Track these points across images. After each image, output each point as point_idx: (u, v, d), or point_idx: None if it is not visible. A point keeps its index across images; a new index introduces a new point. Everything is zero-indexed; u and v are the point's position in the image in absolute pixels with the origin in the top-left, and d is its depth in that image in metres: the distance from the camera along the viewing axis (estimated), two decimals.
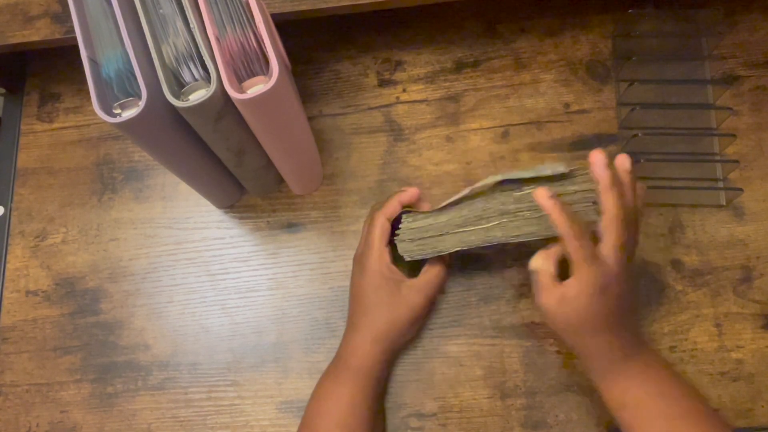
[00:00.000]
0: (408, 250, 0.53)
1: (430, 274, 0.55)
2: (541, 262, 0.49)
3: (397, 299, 0.53)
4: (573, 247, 0.46)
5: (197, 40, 0.45)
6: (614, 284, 0.46)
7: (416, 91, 0.67)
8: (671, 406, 0.46)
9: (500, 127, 0.65)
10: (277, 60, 0.44)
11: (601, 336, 0.48)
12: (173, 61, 0.45)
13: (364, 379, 0.52)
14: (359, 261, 0.55)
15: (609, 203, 0.47)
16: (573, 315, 0.47)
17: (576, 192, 0.51)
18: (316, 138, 0.64)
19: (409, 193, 0.55)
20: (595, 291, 0.46)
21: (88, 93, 0.44)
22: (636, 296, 0.57)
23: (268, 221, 0.64)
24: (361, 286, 0.54)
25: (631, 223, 0.48)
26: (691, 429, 0.45)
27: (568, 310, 0.47)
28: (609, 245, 0.46)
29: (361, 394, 0.52)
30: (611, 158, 0.49)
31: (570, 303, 0.47)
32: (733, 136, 0.60)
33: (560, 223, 0.46)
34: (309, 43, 0.69)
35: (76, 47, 0.45)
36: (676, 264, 0.59)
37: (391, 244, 0.54)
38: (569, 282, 0.47)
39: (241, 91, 0.45)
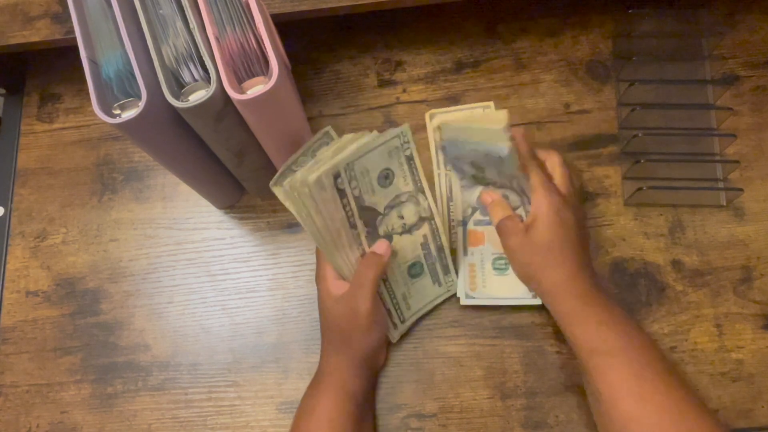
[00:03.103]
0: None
1: (356, 274, 0.53)
2: (502, 211, 0.54)
3: (341, 309, 0.53)
4: (535, 173, 0.52)
5: (197, 41, 0.45)
6: (567, 209, 0.52)
7: (416, 92, 0.67)
8: (641, 354, 0.48)
9: None
10: (277, 60, 0.44)
11: (566, 267, 0.51)
12: (173, 62, 0.45)
13: (339, 393, 0.52)
14: (318, 286, 0.56)
15: (550, 152, 0.55)
16: (539, 241, 0.51)
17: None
18: None
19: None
20: (553, 213, 0.51)
21: (88, 93, 0.44)
22: (588, 238, 0.57)
23: (268, 222, 0.64)
24: (320, 310, 0.56)
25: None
26: (660, 375, 0.47)
27: (535, 237, 0.51)
28: (558, 178, 0.54)
29: (339, 409, 0.51)
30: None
31: (535, 229, 0.51)
32: (734, 136, 0.60)
33: (525, 151, 0.52)
34: (309, 43, 0.69)
35: (76, 48, 0.45)
36: (677, 264, 0.59)
37: None
38: (531, 213, 0.52)
39: (241, 91, 0.45)
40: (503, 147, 0.50)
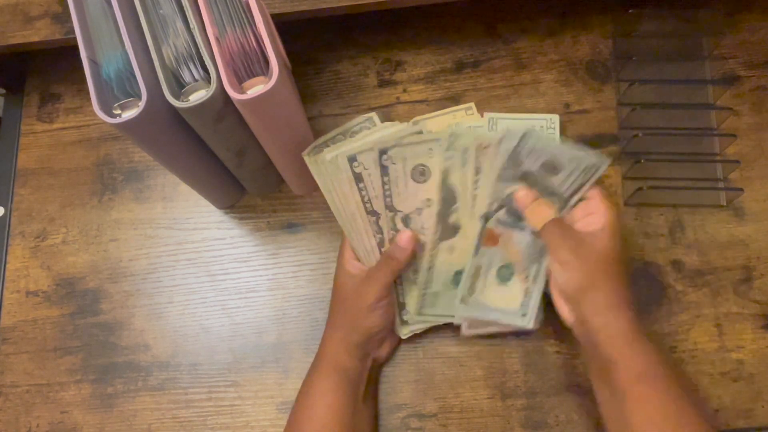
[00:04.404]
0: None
1: (379, 260, 0.53)
2: (549, 211, 0.52)
3: (350, 286, 0.54)
4: (598, 189, 0.52)
5: (197, 41, 0.45)
6: (619, 227, 0.51)
7: (416, 92, 0.66)
8: (678, 384, 0.46)
9: None
10: (277, 60, 0.44)
11: (624, 279, 0.50)
12: (173, 62, 0.45)
13: (332, 370, 0.53)
14: (337, 260, 0.57)
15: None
16: (603, 249, 0.49)
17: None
18: (316, 138, 0.64)
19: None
20: (617, 223, 0.50)
21: (88, 93, 0.44)
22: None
23: (268, 221, 0.64)
24: (334, 283, 0.57)
25: None
26: (694, 410, 0.46)
27: (598, 244, 0.49)
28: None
29: (332, 386, 0.52)
30: None
31: (599, 237, 0.50)
32: (734, 136, 0.60)
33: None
34: (309, 43, 0.69)
35: (76, 48, 0.45)
36: (677, 264, 0.59)
37: None
38: (591, 221, 0.51)
39: (241, 91, 0.45)
40: (605, 160, 0.51)
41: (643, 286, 0.59)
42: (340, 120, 0.66)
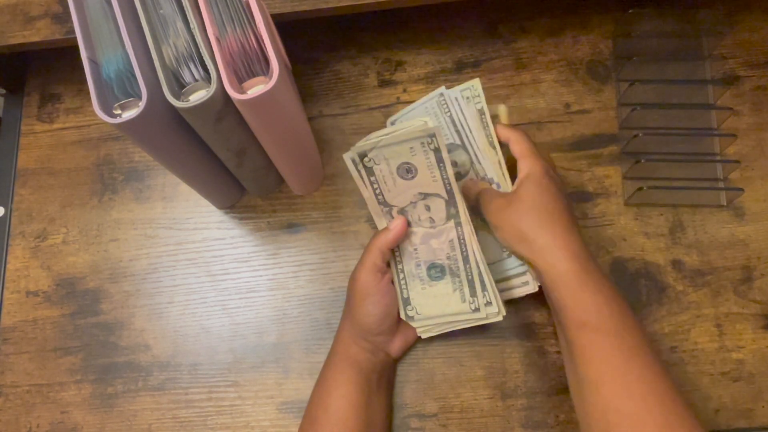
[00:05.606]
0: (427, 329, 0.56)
1: (365, 250, 0.54)
2: (478, 186, 0.55)
3: (352, 275, 0.55)
4: (518, 142, 0.53)
5: (197, 41, 0.45)
6: (554, 173, 0.53)
7: (417, 92, 0.66)
8: (632, 336, 0.45)
9: None
10: (278, 60, 0.44)
11: (561, 224, 0.49)
12: (173, 62, 0.45)
13: (343, 359, 0.54)
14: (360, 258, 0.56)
15: (516, 134, 0.55)
16: (531, 198, 0.50)
17: None
18: (317, 138, 0.64)
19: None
20: (542, 172, 0.51)
21: (89, 93, 0.44)
22: (573, 206, 0.55)
23: (268, 222, 0.64)
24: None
25: None
26: (647, 362, 0.44)
27: (526, 196, 0.50)
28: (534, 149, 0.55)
29: (343, 376, 0.53)
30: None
31: (526, 189, 0.51)
32: (734, 136, 0.60)
33: (505, 128, 0.55)
34: (309, 43, 0.69)
35: (76, 48, 0.45)
36: (677, 264, 0.59)
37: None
38: (519, 178, 0.52)
39: (242, 91, 0.45)
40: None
41: (643, 285, 0.59)
42: (340, 120, 0.66)
